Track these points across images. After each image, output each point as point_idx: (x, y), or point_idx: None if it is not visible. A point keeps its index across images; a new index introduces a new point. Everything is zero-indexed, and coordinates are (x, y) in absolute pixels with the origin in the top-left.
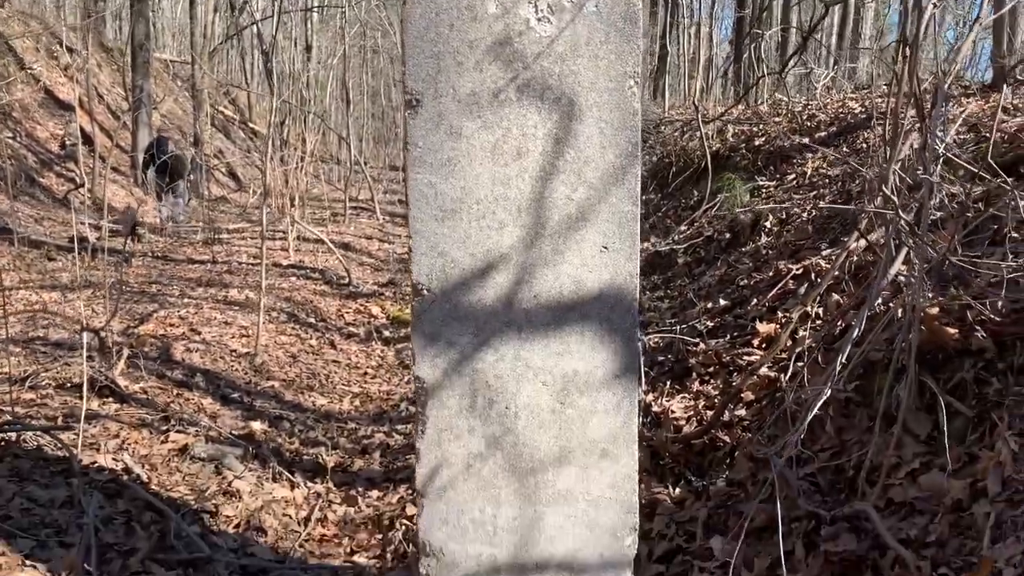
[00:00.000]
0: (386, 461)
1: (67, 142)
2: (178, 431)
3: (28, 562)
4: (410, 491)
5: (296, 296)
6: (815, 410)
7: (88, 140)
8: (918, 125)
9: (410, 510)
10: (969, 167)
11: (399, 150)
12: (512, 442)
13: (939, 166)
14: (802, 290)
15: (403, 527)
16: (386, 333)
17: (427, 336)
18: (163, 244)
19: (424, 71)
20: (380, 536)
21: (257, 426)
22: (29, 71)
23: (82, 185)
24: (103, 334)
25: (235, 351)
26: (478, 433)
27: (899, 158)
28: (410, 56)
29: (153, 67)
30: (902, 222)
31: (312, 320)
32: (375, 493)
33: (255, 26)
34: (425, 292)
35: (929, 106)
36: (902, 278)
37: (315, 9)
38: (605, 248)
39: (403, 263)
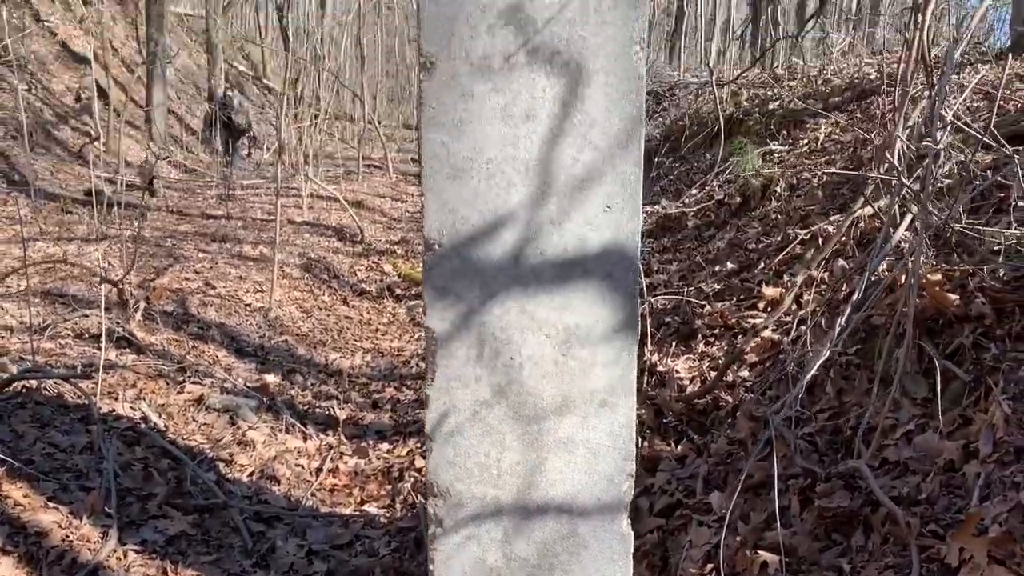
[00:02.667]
0: (396, 415)
1: (82, 95)
2: (194, 382)
3: (51, 504)
4: (419, 443)
5: (310, 252)
6: (814, 370)
7: (103, 93)
8: (927, 92)
9: (419, 463)
10: (975, 133)
11: (413, 109)
12: (517, 391)
13: (947, 134)
14: (809, 255)
15: (412, 479)
16: (398, 291)
17: (437, 289)
18: (178, 198)
19: (438, 34)
20: (389, 487)
21: (271, 379)
22: (45, 23)
23: (97, 138)
24: (120, 286)
25: (249, 305)
26: (484, 382)
27: (908, 125)
28: (425, 19)
29: (168, 21)
30: (907, 189)
31: (325, 277)
32: (385, 446)
33: None
34: (436, 247)
35: (938, 73)
36: (905, 244)
37: None
38: (609, 208)
39: (415, 221)
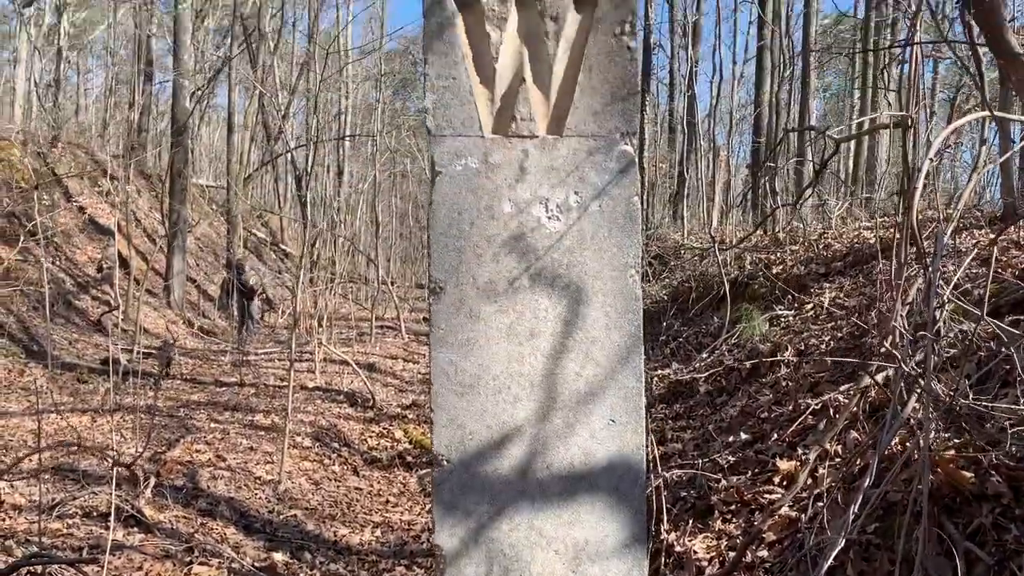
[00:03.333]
0: None
1: (104, 265)
2: (201, 563)
3: None
4: None
5: (321, 420)
6: (831, 559)
7: (124, 263)
8: (923, 269)
9: None
10: (974, 311)
11: (425, 269)
12: None
13: (944, 311)
14: (821, 426)
15: None
16: (409, 458)
17: (446, 505)
18: (192, 366)
19: (447, 262)
20: None
21: (279, 557)
22: (75, 203)
23: (116, 308)
24: (132, 467)
25: (259, 478)
26: None
27: (907, 302)
28: (435, 249)
29: (189, 192)
30: (911, 365)
31: (336, 445)
32: None
33: (289, 153)
34: (445, 463)
35: (931, 253)
36: (916, 417)
37: (348, 138)
38: (612, 421)
39: (427, 383)
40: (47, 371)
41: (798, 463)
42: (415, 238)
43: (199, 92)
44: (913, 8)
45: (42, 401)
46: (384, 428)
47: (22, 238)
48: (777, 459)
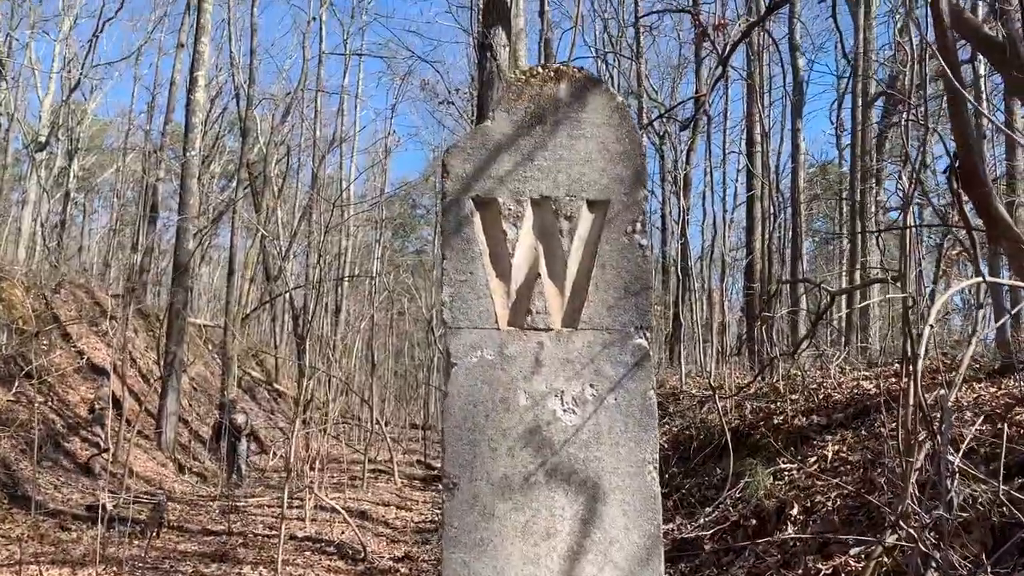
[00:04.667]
0: None
1: (96, 406)
2: None
3: None
4: None
5: (311, 572)
6: None
7: (117, 404)
8: (928, 437)
9: None
10: (989, 481)
11: (420, 408)
12: None
13: (955, 481)
14: None
15: None
16: None
17: None
18: (180, 512)
19: (461, 457)
20: None
21: None
22: (72, 346)
23: (106, 450)
24: None
25: None
26: None
27: (916, 468)
28: (449, 442)
29: (187, 332)
30: (927, 537)
31: None
32: None
33: (288, 293)
34: None
35: (937, 419)
36: None
37: (347, 279)
38: None
39: (420, 532)
40: (30, 517)
41: None
42: (410, 377)
43: (202, 233)
44: (907, 185)
45: (21, 550)
46: None
47: (17, 381)
48: None
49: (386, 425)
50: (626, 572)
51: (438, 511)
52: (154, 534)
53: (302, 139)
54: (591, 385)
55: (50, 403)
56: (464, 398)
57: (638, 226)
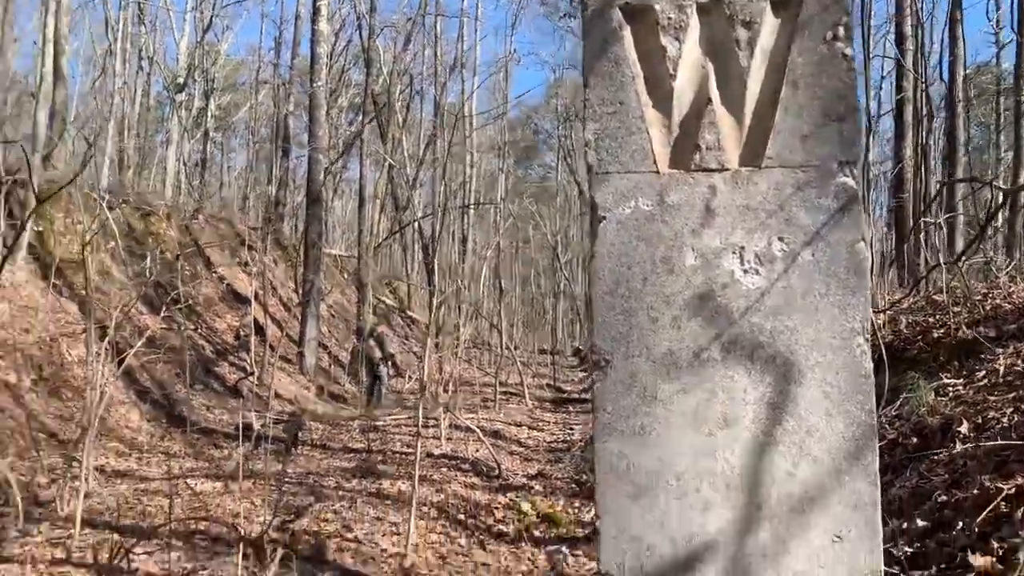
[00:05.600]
0: None
1: (242, 333)
2: None
3: None
4: None
5: (447, 489)
6: None
7: (260, 331)
8: None
9: None
10: None
11: (548, 334)
12: None
13: None
14: (1019, 514)
15: None
16: (536, 532)
17: None
18: (322, 431)
19: (614, 329)
20: None
21: None
22: (214, 271)
23: (252, 374)
24: (259, 543)
25: (385, 550)
26: None
27: None
28: (599, 312)
29: (323, 262)
30: None
31: (462, 517)
32: None
33: (416, 222)
34: None
35: None
36: None
37: (472, 206)
38: (838, 538)
39: (552, 451)
40: (185, 436)
41: (994, 558)
42: (537, 304)
43: (332, 165)
44: None
45: (179, 466)
46: (510, 499)
47: (165, 307)
48: (968, 552)
49: (515, 349)
50: (829, 469)
51: (570, 432)
52: (293, 447)
53: (424, 67)
54: (780, 238)
55: (199, 330)
56: (616, 259)
57: (840, 31)
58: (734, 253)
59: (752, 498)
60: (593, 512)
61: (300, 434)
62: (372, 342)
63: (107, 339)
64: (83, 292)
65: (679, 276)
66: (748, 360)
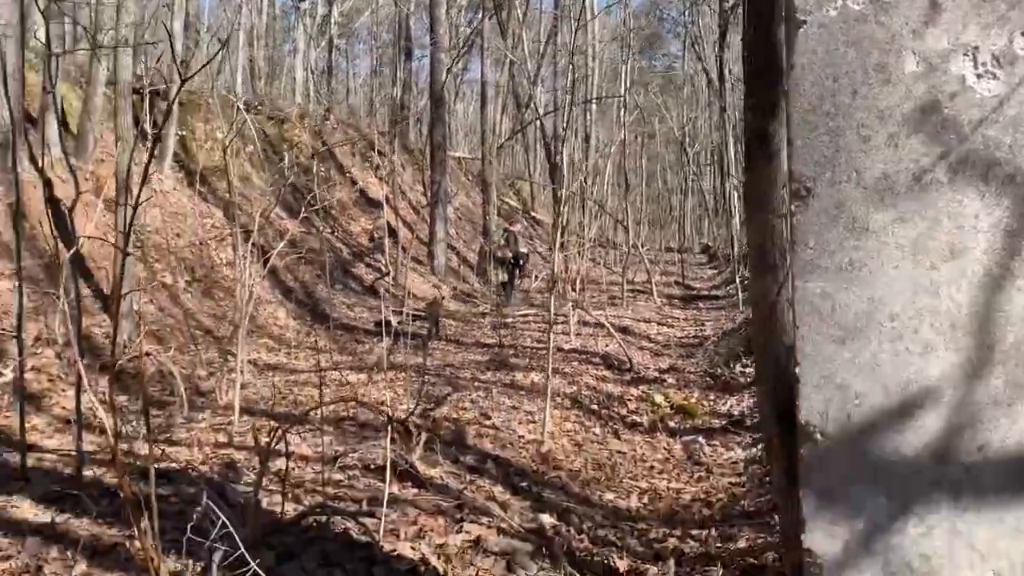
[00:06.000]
0: (682, 572)
1: (375, 235)
2: (472, 521)
3: None
4: None
5: (579, 381)
6: None
7: (392, 233)
8: None
9: None
10: None
11: (674, 232)
12: None
13: None
14: None
15: None
16: (671, 423)
17: (821, 495)
18: (455, 328)
19: (817, 152)
20: None
21: (546, 519)
22: (348, 174)
23: (387, 274)
24: (406, 423)
25: (522, 437)
26: None
27: None
28: (798, 134)
29: (448, 164)
30: None
31: (594, 407)
32: None
33: (538, 121)
34: (818, 436)
35: None
36: None
37: (595, 100)
38: None
39: (683, 347)
40: (329, 332)
41: None
42: (663, 200)
43: (454, 64)
44: None
45: (324, 360)
46: (643, 392)
47: (303, 210)
48: None
49: (641, 247)
50: None
51: (701, 328)
52: (435, 332)
53: None
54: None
55: (336, 233)
56: (818, 70)
57: None
58: (965, 55)
59: (983, 339)
60: (729, 404)
61: (440, 320)
62: (504, 241)
63: (251, 241)
64: (226, 197)
65: (896, 86)
66: (981, 181)
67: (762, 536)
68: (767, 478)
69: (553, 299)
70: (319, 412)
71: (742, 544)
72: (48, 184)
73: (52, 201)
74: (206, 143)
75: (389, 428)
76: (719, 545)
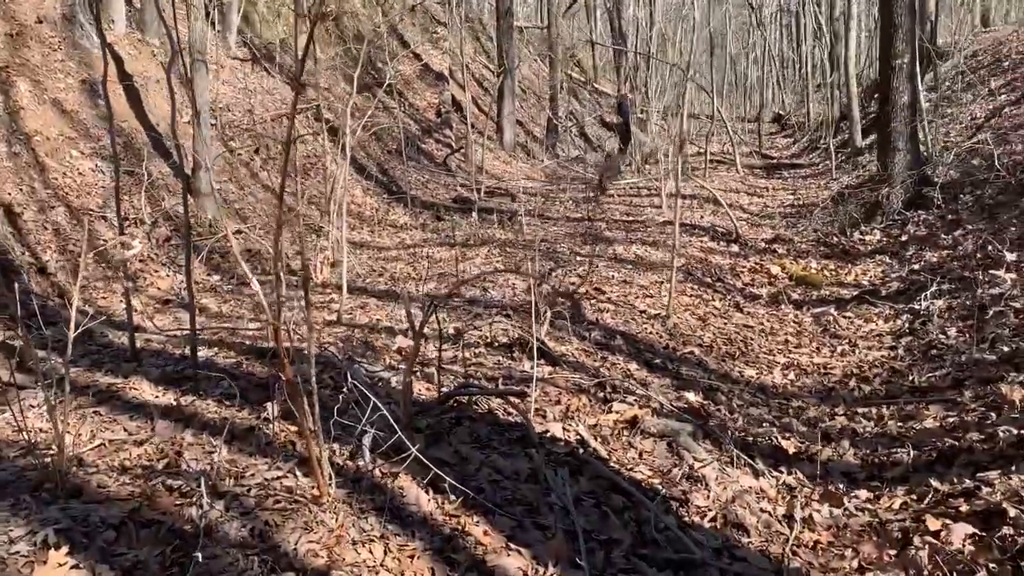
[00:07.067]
0: (860, 452)
1: (442, 110)
2: (620, 401)
3: (512, 545)
4: (913, 495)
5: (686, 253)
6: None
7: (458, 107)
8: None
9: (931, 523)
10: None
11: (749, 100)
12: None
13: None
14: None
15: (927, 545)
16: (794, 295)
17: None
18: (538, 203)
19: None
20: (893, 552)
21: (692, 397)
22: (410, 48)
23: (459, 149)
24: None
25: (643, 312)
26: None
27: None
28: None
29: (514, 31)
30: None
31: (708, 280)
32: (862, 493)
33: None
34: None
35: None
36: None
37: None
38: None
39: (784, 218)
40: (408, 209)
41: None
42: (740, 67)
43: None
44: None
45: (408, 235)
46: (755, 263)
47: (370, 87)
48: None
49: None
50: None
51: (794, 196)
52: (600, 192)
53: None
54: None
55: (403, 109)
56: None
57: None
58: None
59: None
60: (854, 274)
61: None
62: (618, 107)
63: (322, 119)
64: (292, 72)
65: None
66: None
67: (952, 415)
68: (931, 350)
69: (680, 161)
70: (421, 287)
71: (928, 424)
72: (117, 60)
73: (124, 76)
74: (268, 19)
75: (534, 294)
76: (900, 424)
